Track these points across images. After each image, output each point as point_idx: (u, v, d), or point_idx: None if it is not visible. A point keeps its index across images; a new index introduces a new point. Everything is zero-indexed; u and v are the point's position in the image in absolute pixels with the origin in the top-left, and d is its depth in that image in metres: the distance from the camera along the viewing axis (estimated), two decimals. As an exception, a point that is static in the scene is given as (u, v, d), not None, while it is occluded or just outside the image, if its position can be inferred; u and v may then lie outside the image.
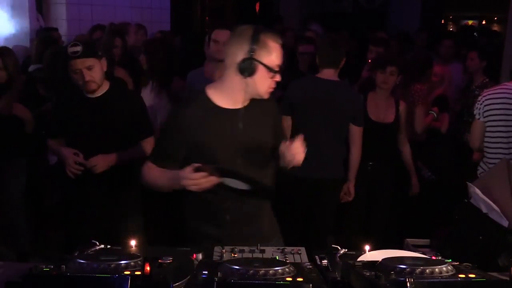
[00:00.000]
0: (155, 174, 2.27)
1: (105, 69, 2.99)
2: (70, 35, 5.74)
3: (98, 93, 2.97)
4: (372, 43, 5.02)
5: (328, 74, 3.62)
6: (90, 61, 2.86)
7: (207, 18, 10.57)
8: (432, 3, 9.70)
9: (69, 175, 2.90)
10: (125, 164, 3.02)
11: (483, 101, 3.60)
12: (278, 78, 2.18)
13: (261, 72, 2.13)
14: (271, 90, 2.23)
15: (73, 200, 3.19)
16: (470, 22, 15.62)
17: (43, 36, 5.13)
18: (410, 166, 4.14)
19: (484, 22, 15.74)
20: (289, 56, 4.60)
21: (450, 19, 15.68)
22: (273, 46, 2.14)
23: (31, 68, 4.69)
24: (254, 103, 2.26)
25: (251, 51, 2.10)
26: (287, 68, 4.54)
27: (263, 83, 2.17)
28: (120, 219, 3.05)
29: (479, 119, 3.64)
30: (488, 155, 3.61)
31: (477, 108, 3.65)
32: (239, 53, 2.12)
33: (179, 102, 2.76)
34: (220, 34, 3.48)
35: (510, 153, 3.50)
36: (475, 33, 7.48)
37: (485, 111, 3.58)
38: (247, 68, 2.11)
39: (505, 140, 3.55)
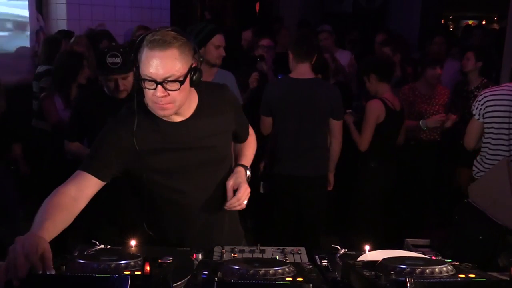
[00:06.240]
0: None
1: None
2: (70, 35, 5.73)
3: (125, 93, 2.99)
4: (382, 44, 5.11)
5: (303, 69, 3.63)
6: (126, 73, 2.92)
7: (207, 18, 10.55)
8: (432, 3, 9.69)
9: None
10: None
11: (483, 102, 3.54)
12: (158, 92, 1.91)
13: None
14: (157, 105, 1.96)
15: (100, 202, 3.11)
16: (470, 22, 15.61)
17: (51, 37, 5.14)
18: None
19: (484, 22, 15.72)
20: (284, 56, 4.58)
21: (450, 19, 15.68)
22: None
23: (39, 68, 4.70)
24: None
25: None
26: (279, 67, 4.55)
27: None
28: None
29: (478, 119, 3.59)
30: (488, 156, 3.58)
31: (476, 108, 3.59)
32: None
33: None
34: (222, 39, 3.46)
35: (510, 155, 3.47)
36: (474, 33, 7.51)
37: (486, 112, 3.53)
38: None
39: (506, 142, 3.51)
